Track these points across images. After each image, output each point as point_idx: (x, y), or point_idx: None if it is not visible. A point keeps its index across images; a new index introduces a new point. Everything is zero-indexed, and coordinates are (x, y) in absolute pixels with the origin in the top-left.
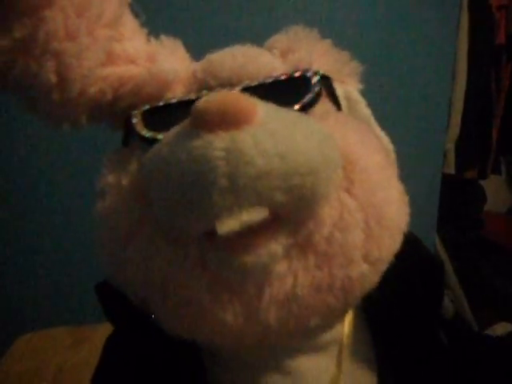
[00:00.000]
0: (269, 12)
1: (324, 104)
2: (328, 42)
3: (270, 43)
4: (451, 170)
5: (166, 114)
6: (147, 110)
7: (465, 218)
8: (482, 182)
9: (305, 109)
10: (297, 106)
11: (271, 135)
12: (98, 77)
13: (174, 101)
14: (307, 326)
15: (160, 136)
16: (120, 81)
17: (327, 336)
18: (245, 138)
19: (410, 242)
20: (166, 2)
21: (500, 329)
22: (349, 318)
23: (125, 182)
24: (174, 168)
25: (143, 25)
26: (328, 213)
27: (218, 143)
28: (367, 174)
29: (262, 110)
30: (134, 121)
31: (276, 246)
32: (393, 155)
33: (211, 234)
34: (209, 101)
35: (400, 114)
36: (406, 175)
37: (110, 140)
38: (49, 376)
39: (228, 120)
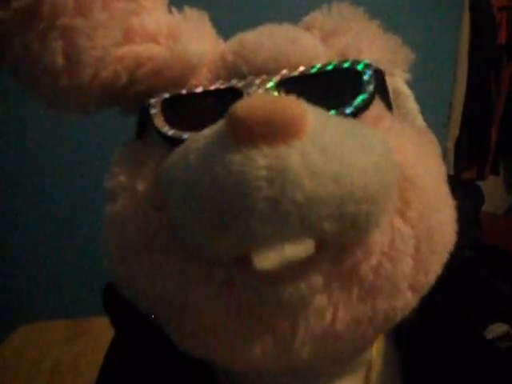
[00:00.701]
0: (260, 12)
1: (377, 105)
2: (376, 23)
3: (307, 22)
4: (450, 170)
5: (191, 105)
6: (168, 99)
7: (462, 219)
8: (479, 183)
9: (357, 113)
10: (348, 110)
11: (323, 152)
12: (113, 58)
13: (199, 90)
14: (341, 357)
15: (185, 136)
16: (137, 62)
17: (357, 359)
18: (293, 156)
19: (456, 262)
20: None
21: (497, 329)
22: (379, 341)
23: (141, 186)
24: (205, 183)
25: None
26: (378, 240)
27: (260, 160)
28: (425, 194)
29: (313, 119)
30: (153, 112)
31: (317, 277)
32: (439, 149)
33: (243, 258)
34: (251, 107)
35: None
36: None
37: (120, 130)
38: (46, 368)
39: (273, 133)
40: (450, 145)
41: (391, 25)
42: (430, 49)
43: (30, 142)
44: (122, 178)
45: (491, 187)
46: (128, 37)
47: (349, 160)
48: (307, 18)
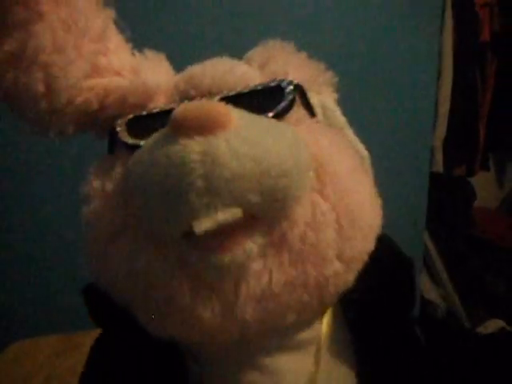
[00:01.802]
0: (256, 16)
1: (298, 112)
2: (303, 54)
3: (248, 56)
4: (439, 168)
5: (149, 122)
6: (131, 119)
7: (454, 216)
8: (470, 180)
9: (278, 116)
10: (271, 114)
11: (245, 140)
12: (85, 87)
13: (156, 110)
14: (284, 323)
15: (142, 142)
16: (105, 91)
17: (305, 335)
18: (219, 143)
19: (384, 243)
20: (152, 17)
21: (492, 325)
22: (327, 318)
23: (109, 187)
24: (153, 171)
25: (128, 39)
26: (301, 213)
27: (194, 147)
28: (338, 176)
29: (237, 116)
30: (118, 129)
31: (251, 244)
32: (367, 161)
33: (190, 234)
34: (186, 108)
35: (386, 113)
36: (394, 175)
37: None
38: (38, 383)
39: (204, 126)
40: (438, 143)
41: (373, 24)
42: (413, 47)
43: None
44: (94, 183)
45: (482, 183)
46: (97, 71)
47: (265, 145)
48: (248, 54)
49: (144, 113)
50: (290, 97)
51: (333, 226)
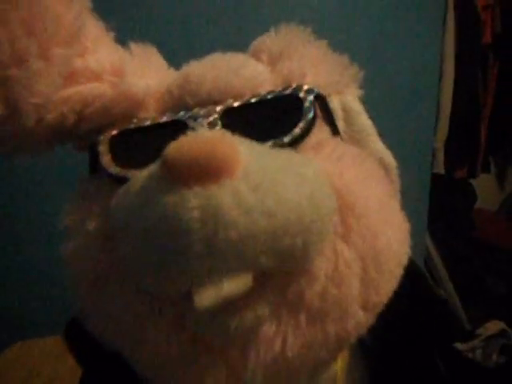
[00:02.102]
0: (254, 13)
1: (319, 131)
2: (324, 43)
3: (256, 45)
4: (441, 169)
5: (138, 140)
6: (115, 136)
7: (455, 217)
8: (472, 181)
9: (296, 142)
10: (287, 139)
11: (255, 189)
12: (57, 100)
13: (147, 123)
14: (297, 380)
15: (129, 174)
16: (83, 102)
17: (318, 378)
18: (223, 195)
19: (410, 273)
20: (148, 7)
21: (492, 327)
22: (342, 354)
23: (90, 226)
24: (144, 224)
25: (109, 29)
26: (321, 266)
27: (193, 201)
28: (367, 217)
29: (245, 156)
30: (101, 149)
31: (263, 307)
32: (394, 172)
33: (189, 293)
34: (181, 148)
35: (388, 115)
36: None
37: None
38: None
39: (204, 173)
40: (440, 145)
41: (375, 26)
42: (415, 49)
43: None
44: (74, 217)
45: (483, 185)
46: (72, 78)
47: (281, 195)
48: (256, 42)
49: (132, 126)
50: (310, 115)
51: (358, 275)
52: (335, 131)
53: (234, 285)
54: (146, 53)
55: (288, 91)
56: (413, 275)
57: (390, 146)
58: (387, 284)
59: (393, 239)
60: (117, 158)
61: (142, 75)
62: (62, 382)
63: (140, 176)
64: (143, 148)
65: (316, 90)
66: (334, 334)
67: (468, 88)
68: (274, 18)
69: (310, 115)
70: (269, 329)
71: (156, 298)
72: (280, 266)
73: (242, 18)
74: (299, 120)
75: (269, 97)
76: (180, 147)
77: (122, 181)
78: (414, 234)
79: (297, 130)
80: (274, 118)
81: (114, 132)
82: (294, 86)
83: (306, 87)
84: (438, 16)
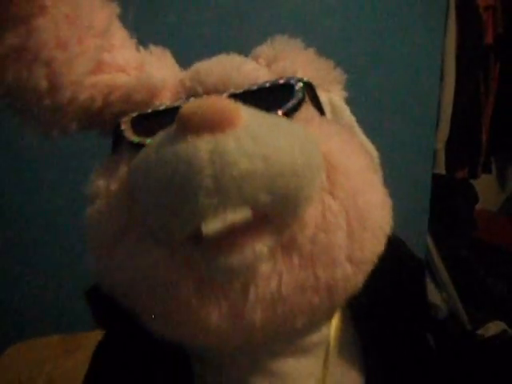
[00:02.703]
0: (256, 18)
1: (307, 110)
2: (312, 51)
3: (255, 53)
4: (441, 170)
5: (155, 120)
6: (136, 117)
7: (457, 218)
8: (472, 182)
9: (288, 114)
10: (280, 112)
11: (254, 138)
12: (88, 84)
13: (162, 107)
14: (293, 327)
15: (148, 141)
16: (109, 88)
17: (314, 338)
18: (228, 141)
19: (394, 244)
20: (156, 12)
21: (493, 327)
22: (335, 321)
23: (113, 186)
24: (160, 170)
25: (132, 35)
26: (311, 214)
27: (203, 146)
28: (349, 177)
29: (246, 114)
30: (123, 127)
31: (261, 245)
32: (377, 161)
33: (197, 235)
34: (194, 105)
35: (389, 115)
36: (397, 176)
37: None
38: None
39: (212, 123)
40: (440, 145)
41: (376, 27)
42: (416, 50)
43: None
44: (99, 183)
45: (484, 185)
46: (101, 68)
47: (276, 143)
48: (255, 50)
49: (149, 110)
50: (300, 94)
51: (343, 227)
52: (322, 113)
53: (235, 215)
54: (163, 54)
55: (282, 81)
56: (392, 242)
57: (391, 146)
58: (371, 242)
59: (374, 202)
60: (137, 131)
61: (158, 70)
62: (62, 382)
63: (156, 137)
64: (159, 123)
65: (305, 79)
66: (323, 279)
67: (469, 89)
68: (274, 21)
69: (300, 95)
70: (266, 267)
71: (169, 243)
72: (275, 206)
73: (243, 22)
74: (291, 99)
75: (266, 85)
76: (192, 105)
77: (141, 147)
78: (415, 234)
79: (289, 104)
80: (270, 100)
81: (134, 114)
82: (286, 77)
83: (296, 77)
84: (439, 16)
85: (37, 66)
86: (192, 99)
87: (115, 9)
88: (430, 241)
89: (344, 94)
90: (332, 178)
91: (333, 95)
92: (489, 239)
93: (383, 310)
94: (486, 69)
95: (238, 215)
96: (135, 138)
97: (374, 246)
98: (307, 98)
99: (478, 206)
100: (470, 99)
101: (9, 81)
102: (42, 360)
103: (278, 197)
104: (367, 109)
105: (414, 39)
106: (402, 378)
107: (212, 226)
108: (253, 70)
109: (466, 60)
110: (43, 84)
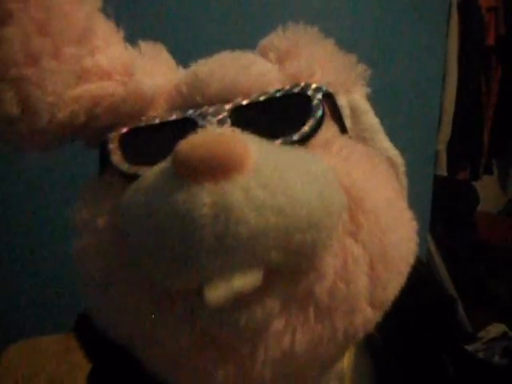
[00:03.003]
0: (259, 11)
1: (327, 129)
2: (331, 42)
3: (264, 44)
4: (443, 171)
5: (147, 138)
6: (126, 134)
7: (458, 220)
8: (474, 183)
9: (304, 140)
10: (296, 137)
11: (266, 186)
12: (68, 99)
13: (156, 121)
14: (307, 376)
15: (140, 171)
16: (93, 100)
17: (329, 375)
18: (235, 191)
19: (418, 272)
20: (155, 8)
21: (494, 330)
22: (349, 352)
23: (100, 221)
24: (154, 222)
25: (118, 27)
26: (330, 262)
27: (203, 198)
28: (375, 215)
29: (255, 152)
30: (110, 147)
31: (272, 301)
32: (401, 169)
33: (199, 288)
34: (193, 145)
35: (391, 117)
36: None
37: None
38: None
39: (215, 169)
40: (442, 147)
41: (379, 29)
42: (418, 51)
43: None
44: (84, 214)
45: (486, 187)
46: (83, 77)
47: (291, 191)
48: (263, 41)
49: (141, 124)
50: (319, 113)
51: (366, 272)
52: (343, 129)
53: (244, 280)
54: (155, 51)
55: (296, 89)
56: (421, 274)
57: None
58: (394, 281)
59: (401, 237)
60: (127, 156)
61: (151, 73)
62: (62, 382)
63: (151, 173)
64: (153, 145)
65: (324, 88)
66: (342, 329)
67: (471, 90)
68: (278, 17)
69: (319, 113)
70: (278, 324)
71: (167, 293)
72: (290, 263)
73: (246, 17)
74: (308, 118)
75: (277, 95)
76: (191, 144)
77: (132, 178)
78: (416, 235)
79: (305, 128)
80: (283, 116)
81: (124, 130)
82: (302, 84)
83: (314, 85)
84: (442, 18)
85: (5, 89)
86: (190, 112)
87: (96, 2)
88: (430, 241)
89: (367, 90)
90: (356, 219)
91: (354, 96)
92: (490, 241)
93: (400, 344)
94: (487, 70)
95: (247, 280)
96: (125, 166)
97: (397, 283)
98: (327, 113)
99: (479, 208)
100: (471, 101)
101: None
102: (42, 359)
103: (293, 253)
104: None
105: (415, 41)
106: None
107: (216, 293)
108: (262, 73)
109: (467, 62)
110: (13, 110)
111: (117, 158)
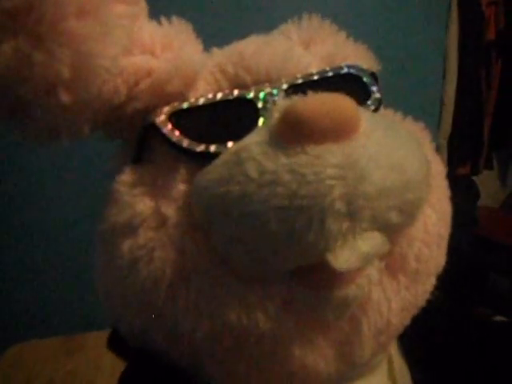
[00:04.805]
0: (256, 12)
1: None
2: (343, 35)
3: (286, 29)
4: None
5: (203, 118)
6: (175, 115)
7: (459, 214)
8: (474, 178)
9: (376, 111)
10: (372, 107)
11: (383, 144)
12: (115, 71)
13: (202, 102)
14: (384, 353)
15: (212, 149)
16: (137, 75)
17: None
18: (359, 151)
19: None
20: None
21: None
22: None
23: (169, 211)
24: (269, 193)
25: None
26: (417, 228)
27: (330, 159)
28: (437, 179)
29: (363, 115)
30: (166, 129)
31: (373, 270)
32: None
33: (300, 268)
34: (310, 105)
35: (391, 111)
36: None
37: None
38: None
39: (337, 130)
40: (443, 141)
41: (379, 23)
42: (419, 46)
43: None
44: (140, 206)
45: (486, 181)
46: (127, 48)
47: (404, 149)
48: (280, 30)
49: (189, 105)
50: (375, 88)
51: (439, 237)
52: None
53: (370, 243)
54: (187, 29)
55: (343, 70)
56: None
57: None
58: (445, 246)
59: (449, 204)
60: (189, 136)
61: (193, 51)
62: (63, 383)
63: (247, 144)
64: (213, 124)
65: (366, 68)
66: (421, 296)
67: (471, 85)
68: (276, 14)
69: (375, 88)
70: (377, 294)
71: (261, 284)
72: (403, 224)
73: (244, 13)
74: (369, 93)
75: (328, 74)
76: (307, 104)
77: (204, 157)
78: None
79: (374, 101)
80: (345, 93)
81: (170, 110)
82: (345, 65)
83: (357, 65)
84: (442, 13)
85: (54, 45)
86: (236, 92)
87: None
88: None
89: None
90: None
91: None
92: (491, 235)
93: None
94: (487, 65)
95: (373, 243)
96: (194, 145)
97: (445, 249)
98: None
99: (479, 203)
100: (471, 95)
101: (2, 66)
102: (41, 361)
103: (406, 215)
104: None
105: (416, 36)
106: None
107: (345, 258)
108: (303, 54)
109: (468, 56)
110: (65, 72)
111: (176, 137)
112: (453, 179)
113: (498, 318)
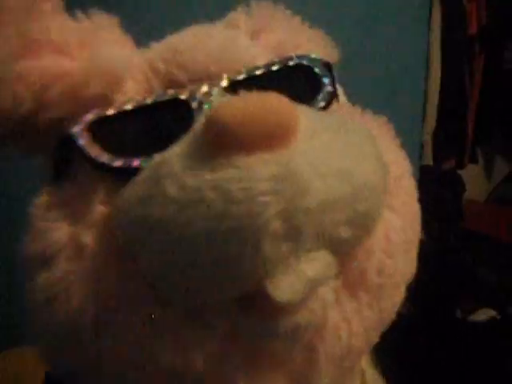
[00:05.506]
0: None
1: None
2: (297, 20)
3: (229, 21)
4: (429, 161)
5: (128, 126)
6: (95, 123)
7: (445, 208)
8: (460, 172)
9: (327, 107)
10: (321, 104)
11: (324, 150)
12: (11, 75)
13: (129, 106)
14: (351, 372)
15: (135, 163)
16: (45, 80)
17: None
18: (296, 159)
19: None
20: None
21: (482, 315)
22: None
23: (87, 238)
24: (193, 213)
25: None
26: (376, 237)
27: (262, 170)
28: (400, 181)
29: (304, 115)
30: (82, 142)
31: (328, 290)
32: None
33: (242, 296)
34: (236, 110)
35: (375, 108)
36: None
37: None
38: None
39: (269, 135)
40: (427, 137)
41: (360, 20)
42: (401, 42)
43: None
44: (57, 233)
45: (471, 175)
46: (29, 48)
47: (352, 155)
48: (228, 18)
49: (110, 112)
50: (327, 80)
51: (404, 242)
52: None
53: (315, 266)
54: (108, 23)
55: (292, 61)
56: None
57: None
58: (415, 252)
59: (418, 205)
60: (109, 148)
61: (117, 50)
62: None
63: (168, 157)
64: (139, 133)
65: (321, 58)
66: (387, 312)
67: (454, 79)
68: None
69: (327, 80)
70: (334, 318)
71: (201, 317)
72: (354, 240)
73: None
74: (320, 86)
75: (273, 68)
76: (234, 109)
77: (125, 173)
78: None
79: (324, 95)
80: (290, 87)
81: (91, 118)
82: (295, 55)
83: (311, 55)
84: (424, 8)
85: None
86: (170, 91)
87: None
88: None
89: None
90: (389, 186)
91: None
92: (476, 229)
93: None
94: (470, 60)
95: (318, 266)
96: (112, 160)
97: (415, 254)
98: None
99: (465, 197)
100: (455, 90)
101: None
102: (30, 370)
103: (357, 228)
104: (353, 101)
105: (398, 31)
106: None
107: (286, 287)
108: (247, 46)
109: (450, 51)
110: None
111: (96, 152)
112: (438, 174)
113: (485, 310)
